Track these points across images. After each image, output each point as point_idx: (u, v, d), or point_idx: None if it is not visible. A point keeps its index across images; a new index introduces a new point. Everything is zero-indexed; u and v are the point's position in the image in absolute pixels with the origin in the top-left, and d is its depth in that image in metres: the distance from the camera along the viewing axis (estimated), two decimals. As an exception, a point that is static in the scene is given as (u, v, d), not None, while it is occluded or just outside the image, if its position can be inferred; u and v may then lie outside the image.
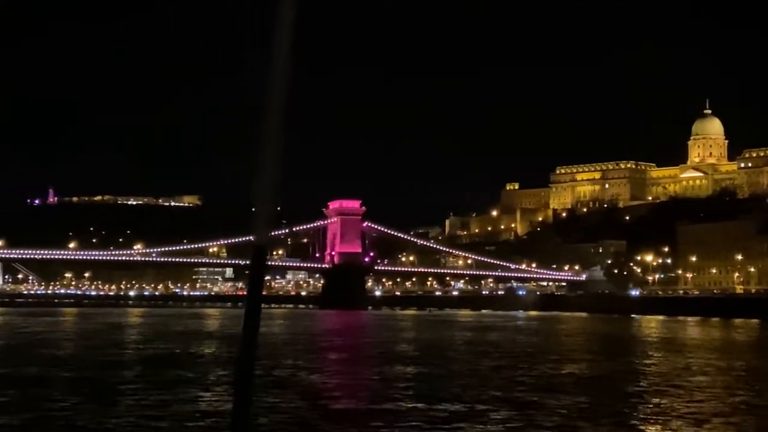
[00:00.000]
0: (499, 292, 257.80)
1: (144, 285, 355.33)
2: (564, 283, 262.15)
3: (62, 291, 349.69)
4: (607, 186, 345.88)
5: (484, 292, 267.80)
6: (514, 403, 36.45)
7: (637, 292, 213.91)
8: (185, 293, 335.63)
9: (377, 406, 35.62)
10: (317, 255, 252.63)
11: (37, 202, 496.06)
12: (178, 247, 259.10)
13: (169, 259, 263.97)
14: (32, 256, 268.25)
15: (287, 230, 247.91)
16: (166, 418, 32.00)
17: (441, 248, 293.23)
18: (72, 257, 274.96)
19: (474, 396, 38.85)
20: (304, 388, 42.47)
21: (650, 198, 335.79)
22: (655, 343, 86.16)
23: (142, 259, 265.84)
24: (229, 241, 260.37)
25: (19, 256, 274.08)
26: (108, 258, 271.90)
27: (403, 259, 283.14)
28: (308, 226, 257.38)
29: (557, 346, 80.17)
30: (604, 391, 42.03)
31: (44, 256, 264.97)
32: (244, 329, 4.68)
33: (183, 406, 35.08)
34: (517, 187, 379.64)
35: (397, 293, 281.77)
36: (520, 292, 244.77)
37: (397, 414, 33.61)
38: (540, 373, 50.69)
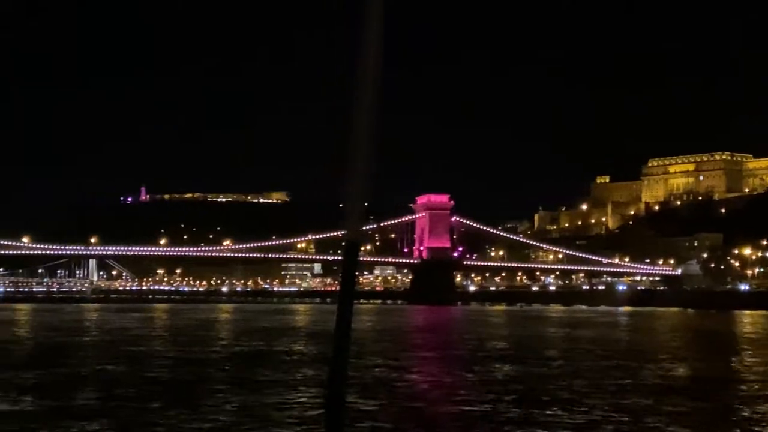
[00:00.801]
0: (600, 287, 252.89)
1: (233, 281, 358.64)
2: (658, 278, 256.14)
3: (155, 287, 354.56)
4: (701, 178, 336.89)
5: (585, 287, 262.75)
6: (627, 409, 33.52)
7: (747, 287, 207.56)
8: (274, 289, 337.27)
9: (476, 409, 33.09)
10: (405, 250, 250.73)
11: (129, 200, 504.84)
12: (266, 243, 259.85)
13: (258, 255, 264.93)
14: (125, 253, 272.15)
15: (375, 226, 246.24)
16: (253, 423, 29.97)
17: (531, 242, 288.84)
18: (163, 254, 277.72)
19: (580, 399, 36.03)
20: (397, 388, 40.19)
21: (747, 190, 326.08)
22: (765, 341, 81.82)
23: (232, 255, 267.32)
24: (318, 236, 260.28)
25: (113, 253, 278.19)
26: (198, 254, 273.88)
27: (492, 253, 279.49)
28: (396, 221, 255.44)
29: (660, 343, 76.44)
30: (723, 394, 38.73)
31: (136, 253, 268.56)
32: (337, 326, 4.60)
33: (271, 409, 33.03)
34: (607, 180, 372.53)
35: (493, 288, 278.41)
36: (620, 287, 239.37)
37: (498, 419, 31.06)
38: (650, 373, 47.47)
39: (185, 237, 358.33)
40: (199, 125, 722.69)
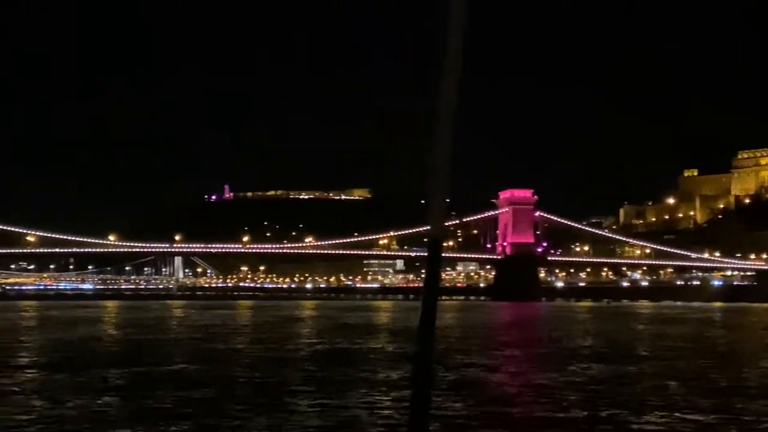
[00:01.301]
0: (695, 282, 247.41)
1: (316, 278, 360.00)
2: (749, 273, 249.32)
3: (239, 284, 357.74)
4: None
5: (678, 283, 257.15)
6: (732, 413, 31.34)
7: None
8: (357, 286, 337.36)
9: (567, 414, 31.29)
10: (488, 246, 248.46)
11: (213, 198, 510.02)
12: (348, 240, 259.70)
13: (341, 252, 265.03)
14: (209, 250, 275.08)
15: (458, 221, 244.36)
16: (335, 426, 28.71)
17: (616, 237, 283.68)
18: (246, 251, 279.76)
19: (678, 402, 34.01)
20: (485, 389, 38.58)
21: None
22: None
23: (314, 252, 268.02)
24: (400, 233, 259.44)
25: (197, 250, 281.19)
26: (281, 251, 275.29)
27: (577, 249, 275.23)
28: (479, 216, 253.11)
29: (761, 341, 73.33)
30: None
31: (220, 250, 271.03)
32: (421, 323, 4.63)
33: (354, 410, 31.72)
34: (695, 173, 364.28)
35: (582, 284, 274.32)
36: (715, 282, 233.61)
37: (593, 424, 29.25)
38: (753, 374, 44.98)
39: (268, 234, 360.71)
40: (282, 124, 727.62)
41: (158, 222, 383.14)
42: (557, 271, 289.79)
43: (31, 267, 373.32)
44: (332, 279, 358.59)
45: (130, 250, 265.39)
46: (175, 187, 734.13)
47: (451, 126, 4.66)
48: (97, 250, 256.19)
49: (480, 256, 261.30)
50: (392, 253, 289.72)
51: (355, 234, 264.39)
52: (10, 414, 30.18)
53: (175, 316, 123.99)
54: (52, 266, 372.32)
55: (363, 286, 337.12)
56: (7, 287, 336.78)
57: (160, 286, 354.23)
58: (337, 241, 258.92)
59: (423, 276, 4.49)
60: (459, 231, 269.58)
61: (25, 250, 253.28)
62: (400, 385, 37.98)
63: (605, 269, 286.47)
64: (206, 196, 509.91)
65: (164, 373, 44.23)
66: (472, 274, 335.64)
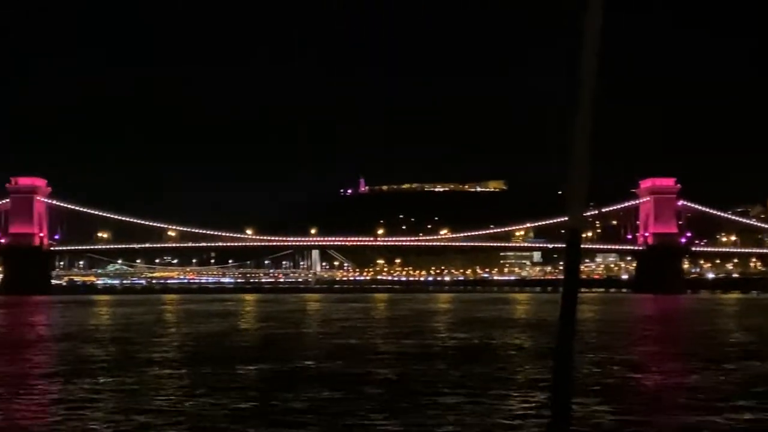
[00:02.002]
0: None
1: (452, 270, 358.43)
2: None
3: (375, 277, 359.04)
4: None
5: None
6: None
7: None
8: (493, 278, 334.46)
9: (728, 420, 28.26)
10: (629, 237, 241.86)
11: (349, 191, 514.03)
12: (484, 232, 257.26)
13: (476, 244, 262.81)
14: (344, 243, 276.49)
15: (596, 212, 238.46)
16: (470, 428, 26.62)
17: (765, 226, 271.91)
18: (382, 244, 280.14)
19: None
20: (632, 389, 35.83)
21: None
22: None
23: (449, 244, 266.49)
24: (537, 224, 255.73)
25: (333, 244, 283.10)
26: (416, 244, 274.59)
27: (723, 239, 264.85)
28: (618, 206, 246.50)
29: None
30: None
31: (355, 243, 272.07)
32: (561, 317, 4.67)
33: (490, 412, 29.53)
34: None
35: (736, 275, 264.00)
36: None
37: None
38: None
39: (403, 227, 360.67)
40: (415, 116, 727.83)
41: (295, 216, 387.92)
42: (702, 262, 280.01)
43: (175, 261, 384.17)
44: (468, 271, 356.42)
45: (267, 243, 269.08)
46: (311, 181, 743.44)
47: (591, 115, 4.68)
48: (236, 244, 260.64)
49: (621, 247, 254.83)
50: (529, 245, 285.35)
51: (491, 226, 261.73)
52: (132, 413, 29.19)
53: (311, 309, 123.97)
54: (194, 260, 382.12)
55: (499, 278, 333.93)
56: (153, 281, 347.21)
57: (299, 280, 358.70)
58: (473, 233, 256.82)
59: (561, 268, 4.59)
60: (597, 222, 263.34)
61: (166, 245, 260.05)
62: (540, 384, 35.61)
63: (753, 260, 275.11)
64: (342, 190, 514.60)
65: (297, 369, 42.98)
66: (612, 265, 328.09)
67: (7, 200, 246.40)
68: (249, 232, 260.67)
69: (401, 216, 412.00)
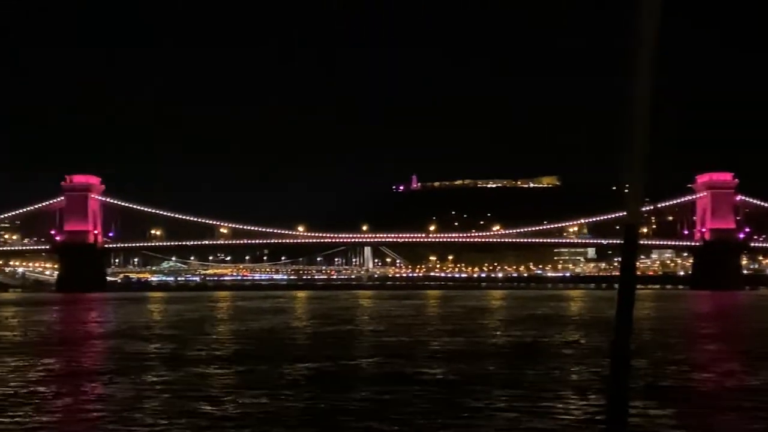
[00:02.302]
0: None
1: (505, 267, 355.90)
2: None
3: (428, 274, 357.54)
4: None
5: None
6: None
7: None
8: (547, 274, 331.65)
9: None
10: (685, 232, 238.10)
11: (401, 188, 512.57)
12: (537, 228, 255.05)
13: (529, 240, 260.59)
14: (395, 240, 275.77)
15: (652, 207, 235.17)
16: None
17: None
18: (434, 240, 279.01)
19: None
20: (692, 390, 34.32)
21: None
22: None
23: (502, 240, 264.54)
24: (591, 220, 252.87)
25: (384, 240, 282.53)
26: (468, 240, 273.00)
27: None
28: (675, 202, 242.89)
29: None
30: None
31: (407, 240, 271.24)
32: (617, 314, 4.66)
33: (544, 415, 28.32)
34: None
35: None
36: None
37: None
38: None
39: (456, 224, 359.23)
40: (460, 114, 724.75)
41: (346, 213, 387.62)
42: (761, 257, 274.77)
43: (228, 258, 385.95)
44: (522, 268, 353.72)
45: (319, 240, 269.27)
46: (363, 178, 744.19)
47: (648, 111, 4.70)
48: (288, 241, 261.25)
49: (677, 243, 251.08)
50: (583, 241, 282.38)
51: (545, 222, 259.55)
52: (176, 413, 28.45)
53: (363, 306, 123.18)
54: (246, 257, 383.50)
55: (553, 275, 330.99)
56: (206, 278, 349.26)
57: (352, 276, 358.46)
58: (526, 230, 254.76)
59: (616, 264, 4.50)
60: (653, 217, 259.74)
61: (218, 242, 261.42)
62: (595, 386, 34.30)
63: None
64: (394, 187, 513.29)
65: (345, 368, 42.08)
66: (668, 261, 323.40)
67: (63, 198, 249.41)
68: (300, 229, 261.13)
69: (453, 212, 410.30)
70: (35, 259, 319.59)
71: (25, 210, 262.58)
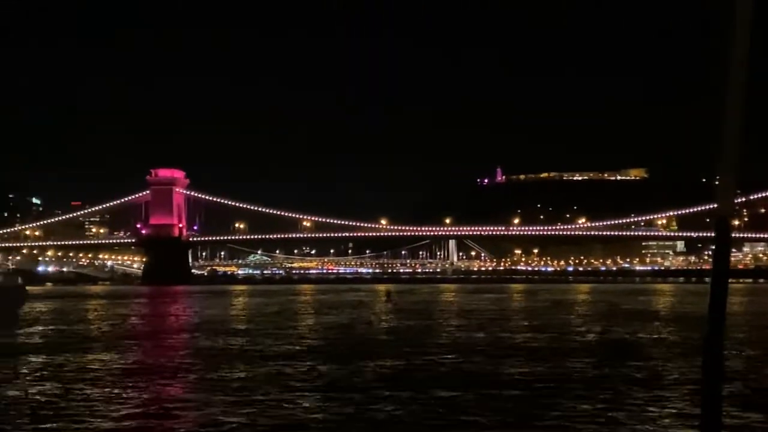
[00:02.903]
0: None
1: (591, 260, 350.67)
2: None
3: (512, 267, 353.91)
4: None
5: None
6: None
7: None
8: (635, 268, 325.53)
9: None
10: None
11: (486, 181, 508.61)
12: (624, 221, 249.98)
13: (616, 233, 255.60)
14: (478, 233, 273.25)
15: (744, 199, 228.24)
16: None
17: None
18: (518, 233, 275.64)
19: None
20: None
21: None
22: None
23: (588, 233, 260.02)
24: (679, 212, 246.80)
25: (466, 233, 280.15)
26: (553, 233, 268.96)
27: None
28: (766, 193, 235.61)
29: None
30: None
31: (491, 233, 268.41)
32: (710, 309, 4.64)
33: (637, 417, 26.08)
34: None
35: None
36: None
37: None
38: None
39: (541, 217, 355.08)
40: (543, 104, 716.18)
41: (430, 206, 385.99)
42: None
43: (313, 252, 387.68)
44: (609, 261, 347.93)
45: (402, 234, 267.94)
46: (448, 171, 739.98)
47: (742, 99, 4.61)
48: (371, 234, 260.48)
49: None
50: (672, 234, 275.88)
51: (632, 215, 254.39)
52: (232, 411, 26.92)
53: (445, 300, 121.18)
54: (331, 251, 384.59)
55: (641, 268, 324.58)
56: (292, 271, 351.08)
57: (438, 269, 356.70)
58: (613, 222, 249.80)
59: (707, 258, 4.45)
60: (745, 209, 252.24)
61: (301, 235, 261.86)
62: (687, 386, 31.85)
63: None
64: (479, 180, 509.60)
65: (419, 366, 40.19)
66: (761, 255, 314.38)
67: (148, 192, 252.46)
68: (383, 222, 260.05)
69: (539, 205, 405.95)
70: (124, 253, 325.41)
71: (112, 204, 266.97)
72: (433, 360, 42.09)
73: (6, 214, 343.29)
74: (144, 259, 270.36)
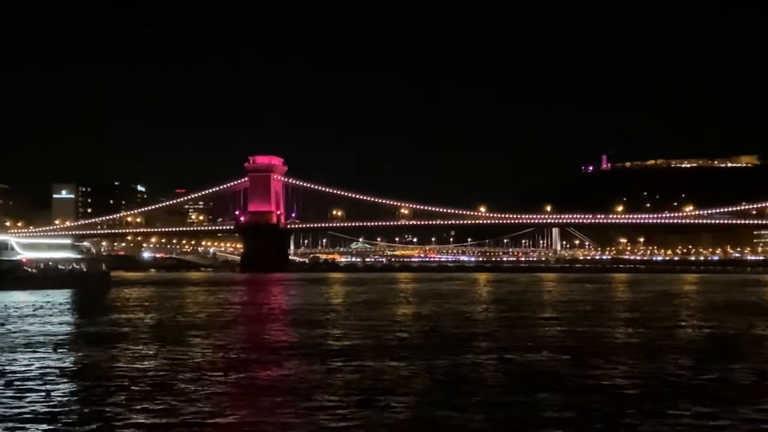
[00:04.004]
0: None
1: (700, 249, 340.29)
2: None
3: (618, 256, 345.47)
4: None
5: None
6: None
7: None
8: (747, 258, 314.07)
9: None
10: None
11: (590, 169, 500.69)
12: (735, 209, 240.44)
13: (726, 222, 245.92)
14: (583, 221, 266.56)
15: None
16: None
17: None
18: (622, 222, 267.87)
19: None
20: None
21: None
22: None
23: (696, 222, 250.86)
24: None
25: (571, 221, 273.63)
26: (660, 222, 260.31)
27: None
28: None
29: None
30: None
31: (594, 221, 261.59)
32: None
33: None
34: None
35: None
36: None
37: None
38: None
39: (647, 205, 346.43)
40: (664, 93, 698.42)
41: (532, 194, 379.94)
42: None
43: (415, 240, 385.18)
44: (718, 251, 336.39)
45: (504, 222, 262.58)
46: (552, 158, 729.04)
47: None
48: (470, 222, 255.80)
49: None
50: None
51: (743, 203, 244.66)
52: (273, 413, 23.21)
53: (544, 290, 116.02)
54: (433, 239, 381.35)
55: (753, 258, 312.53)
56: (392, 259, 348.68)
57: (542, 258, 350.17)
58: (723, 210, 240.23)
59: None
60: None
61: (399, 223, 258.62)
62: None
63: None
64: (583, 167, 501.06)
65: (501, 364, 35.95)
66: None
67: (246, 179, 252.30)
68: (482, 210, 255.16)
69: (645, 193, 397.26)
70: (227, 240, 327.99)
71: (212, 191, 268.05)
72: (516, 358, 37.76)
73: (111, 202, 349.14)
74: (241, 247, 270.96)
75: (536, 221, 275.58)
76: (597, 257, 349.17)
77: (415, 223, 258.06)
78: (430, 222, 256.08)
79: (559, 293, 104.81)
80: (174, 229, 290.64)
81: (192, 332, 50.38)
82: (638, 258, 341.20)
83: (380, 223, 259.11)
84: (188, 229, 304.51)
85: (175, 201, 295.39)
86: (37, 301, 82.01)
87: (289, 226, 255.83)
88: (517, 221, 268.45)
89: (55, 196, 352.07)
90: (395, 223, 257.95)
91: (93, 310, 71.06)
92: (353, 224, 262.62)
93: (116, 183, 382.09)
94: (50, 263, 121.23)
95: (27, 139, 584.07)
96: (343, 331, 51.12)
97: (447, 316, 63.80)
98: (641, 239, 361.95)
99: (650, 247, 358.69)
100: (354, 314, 65.58)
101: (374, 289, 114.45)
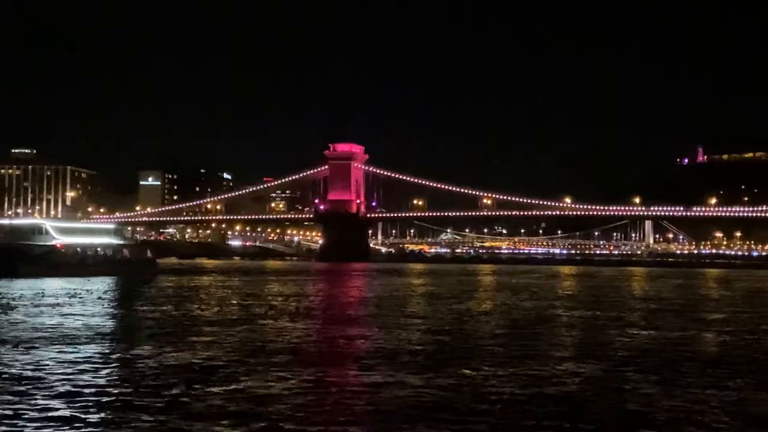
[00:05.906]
0: None
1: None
2: None
3: (713, 251, 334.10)
4: None
5: None
6: None
7: None
8: None
9: None
10: None
11: (686, 161, 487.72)
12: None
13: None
14: (673, 214, 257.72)
15: None
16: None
17: None
18: (717, 215, 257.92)
19: None
20: None
21: None
22: None
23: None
24: None
25: (661, 213, 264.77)
26: (759, 215, 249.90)
27: None
28: None
29: None
30: None
31: (687, 214, 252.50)
32: None
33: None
34: None
35: None
36: None
37: None
38: None
39: (745, 198, 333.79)
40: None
41: (623, 186, 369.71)
42: None
43: (504, 231, 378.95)
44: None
45: (591, 213, 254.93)
46: (644, 149, 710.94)
47: None
48: (556, 213, 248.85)
49: None
50: None
51: None
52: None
53: (624, 286, 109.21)
54: (522, 231, 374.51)
55: None
56: (481, 250, 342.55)
57: (637, 252, 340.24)
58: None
59: None
60: None
61: (480, 213, 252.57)
62: None
63: None
64: (678, 159, 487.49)
65: (537, 377, 30.67)
66: None
67: (326, 167, 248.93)
68: (567, 200, 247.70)
69: (743, 186, 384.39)
70: (311, 229, 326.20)
71: (292, 178, 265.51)
72: (565, 369, 32.22)
73: (197, 189, 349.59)
74: (320, 236, 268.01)
75: (626, 213, 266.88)
76: (691, 251, 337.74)
77: (492, 213, 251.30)
78: (516, 213, 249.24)
79: (645, 289, 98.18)
80: (255, 217, 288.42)
81: (192, 336, 45.95)
82: (734, 253, 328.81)
83: (459, 213, 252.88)
84: (268, 217, 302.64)
85: (255, 188, 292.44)
86: (77, 289, 78.45)
87: (368, 215, 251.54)
88: (605, 213, 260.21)
89: (141, 182, 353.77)
90: (474, 213, 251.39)
91: (129, 301, 67.14)
92: (432, 214, 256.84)
93: (202, 170, 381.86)
94: (88, 249, 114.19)
95: (123, 128, 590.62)
96: (383, 331, 45.96)
97: (507, 312, 58.21)
98: (738, 234, 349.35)
99: (747, 242, 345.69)
100: (402, 311, 60.49)
101: (447, 282, 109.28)
